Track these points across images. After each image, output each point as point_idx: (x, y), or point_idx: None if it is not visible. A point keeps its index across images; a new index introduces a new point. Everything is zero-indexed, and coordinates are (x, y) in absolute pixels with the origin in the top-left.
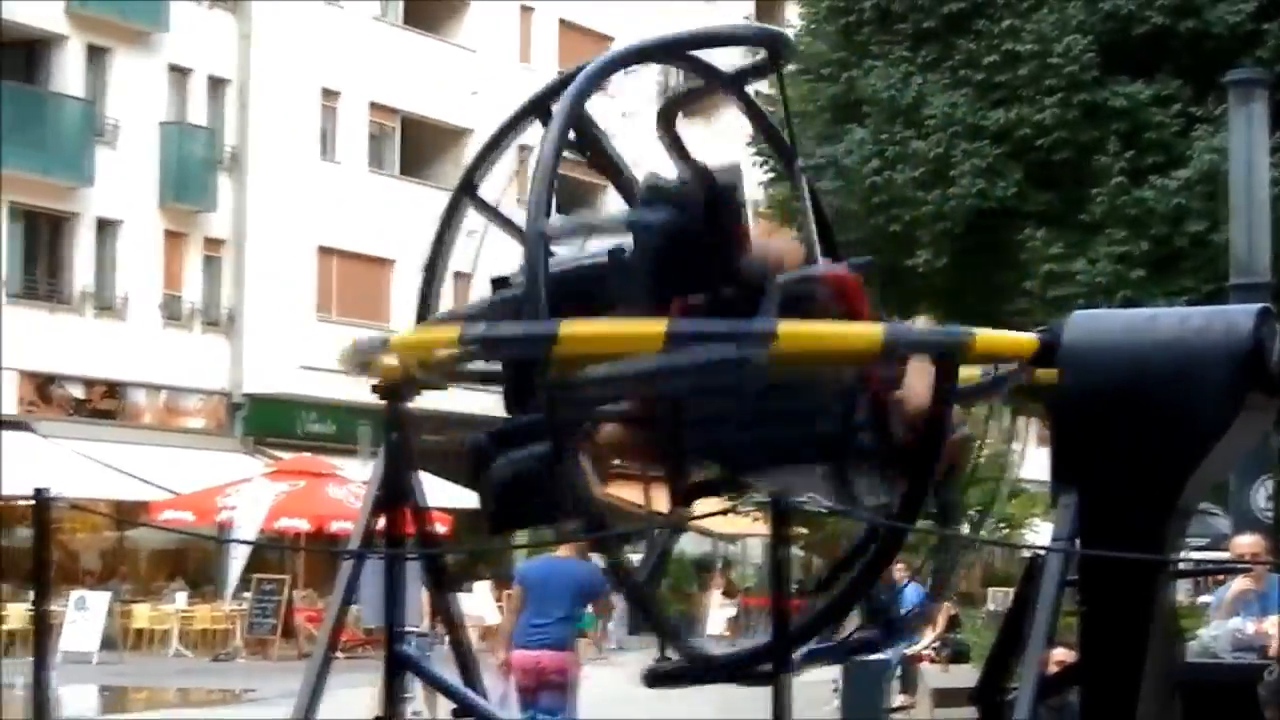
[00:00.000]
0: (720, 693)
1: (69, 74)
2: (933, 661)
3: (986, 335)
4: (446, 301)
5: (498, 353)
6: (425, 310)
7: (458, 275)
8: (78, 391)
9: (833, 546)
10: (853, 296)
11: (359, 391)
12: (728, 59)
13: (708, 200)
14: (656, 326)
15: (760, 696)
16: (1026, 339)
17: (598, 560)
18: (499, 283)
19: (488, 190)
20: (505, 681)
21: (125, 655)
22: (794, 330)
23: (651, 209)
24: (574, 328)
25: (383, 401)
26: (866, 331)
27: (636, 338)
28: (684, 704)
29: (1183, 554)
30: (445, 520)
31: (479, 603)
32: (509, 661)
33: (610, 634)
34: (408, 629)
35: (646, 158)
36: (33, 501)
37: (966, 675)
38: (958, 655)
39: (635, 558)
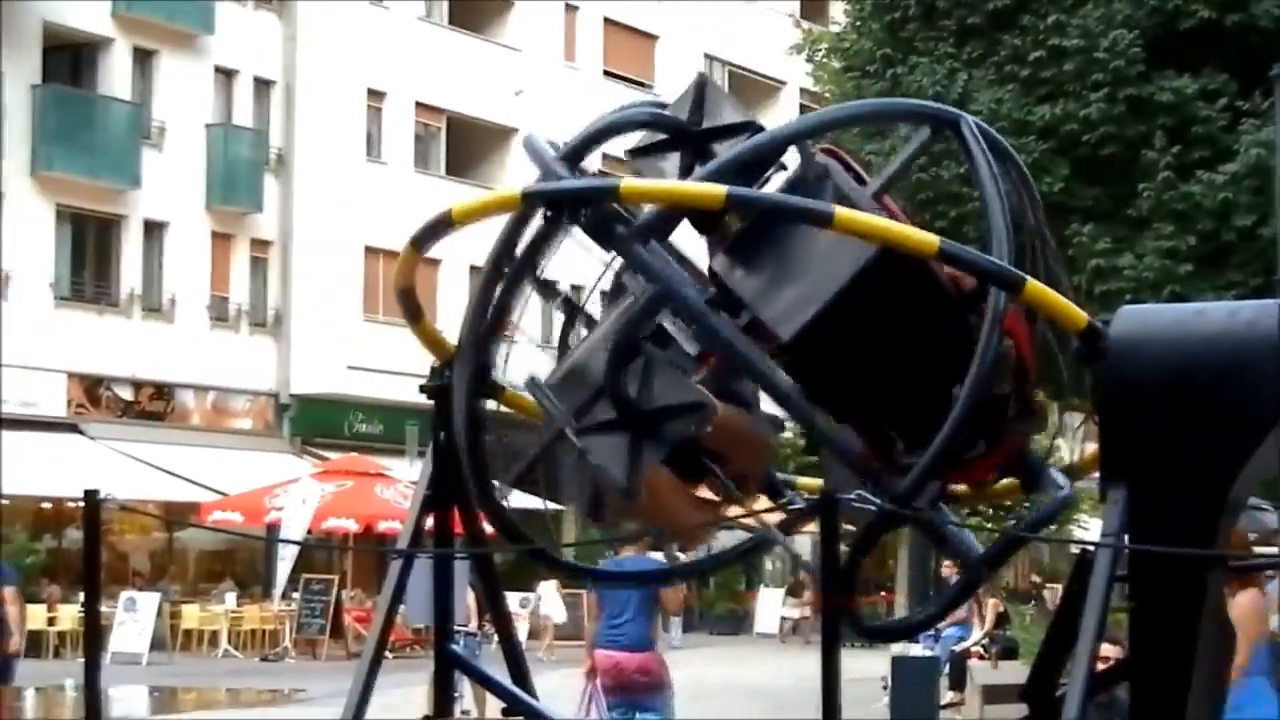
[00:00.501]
0: (772, 693)
1: (116, 77)
2: (982, 658)
3: (1037, 285)
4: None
5: (561, 206)
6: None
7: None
8: (126, 393)
9: (886, 544)
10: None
11: (407, 391)
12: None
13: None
14: (717, 186)
15: (810, 695)
16: (1075, 309)
17: (659, 557)
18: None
19: None
20: (590, 683)
21: (174, 656)
22: (851, 216)
23: None
24: (634, 181)
25: (430, 401)
26: (923, 235)
27: (695, 195)
28: (738, 703)
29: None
30: None
31: (547, 602)
32: (593, 665)
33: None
34: (455, 627)
35: None
36: (82, 503)
37: (1016, 672)
38: (1007, 652)
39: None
